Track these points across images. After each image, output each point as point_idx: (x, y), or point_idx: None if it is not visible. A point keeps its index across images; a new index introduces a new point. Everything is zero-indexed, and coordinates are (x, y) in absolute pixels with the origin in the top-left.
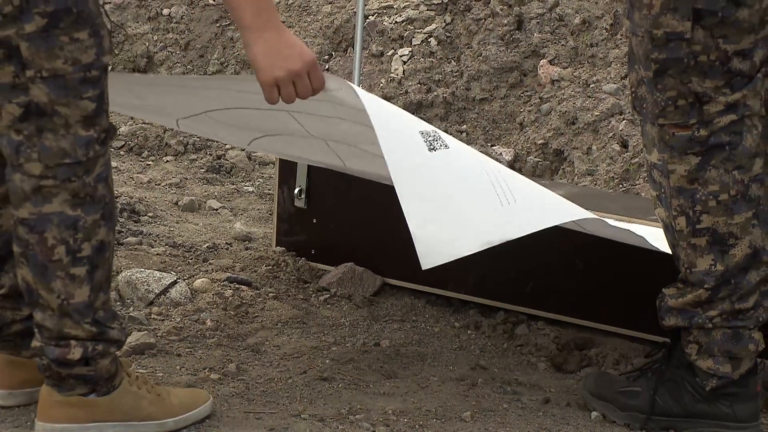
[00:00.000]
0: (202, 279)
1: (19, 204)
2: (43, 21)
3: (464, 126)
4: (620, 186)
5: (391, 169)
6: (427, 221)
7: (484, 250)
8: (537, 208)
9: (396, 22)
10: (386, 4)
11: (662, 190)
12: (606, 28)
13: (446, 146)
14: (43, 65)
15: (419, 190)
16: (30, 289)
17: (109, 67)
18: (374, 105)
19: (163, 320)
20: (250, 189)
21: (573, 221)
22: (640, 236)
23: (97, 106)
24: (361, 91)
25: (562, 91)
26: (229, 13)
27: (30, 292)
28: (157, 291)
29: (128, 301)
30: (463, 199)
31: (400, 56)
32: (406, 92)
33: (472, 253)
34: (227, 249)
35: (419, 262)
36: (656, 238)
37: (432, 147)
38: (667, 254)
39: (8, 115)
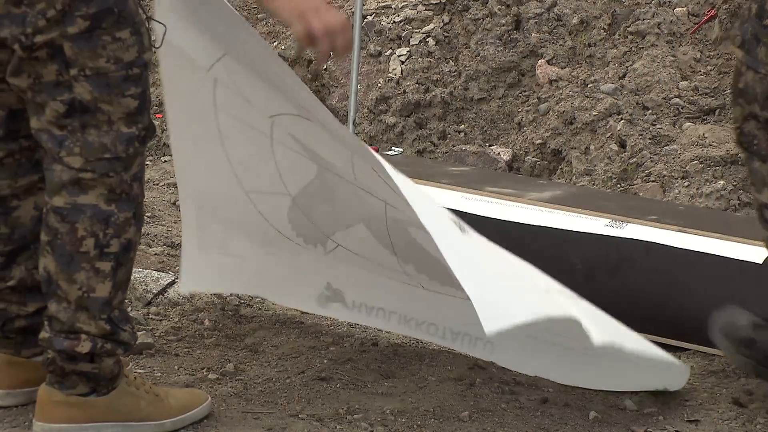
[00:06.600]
0: None
1: (55, 192)
2: (86, 23)
3: (462, 126)
4: (618, 186)
5: (438, 241)
6: (482, 287)
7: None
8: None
9: (394, 21)
10: (384, 3)
11: None
12: (604, 28)
13: (468, 233)
14: (86, 64)
15: (465, 258)
16: (50, 279)
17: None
18: (408, 185)
19: (161, 320)
20: None
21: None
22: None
23: (139, 104)
24: (392, 171)
25: (560, 91)
26: None
27: (49, 282)
28: (155, 291)
29: (126, 301)
30: (506, 270)
31: (398, 56)
32: (404, 92)
33: (533, 321)
34: None
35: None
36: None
37: (462, 229)
38: (665, 256)
39: (52, 112)
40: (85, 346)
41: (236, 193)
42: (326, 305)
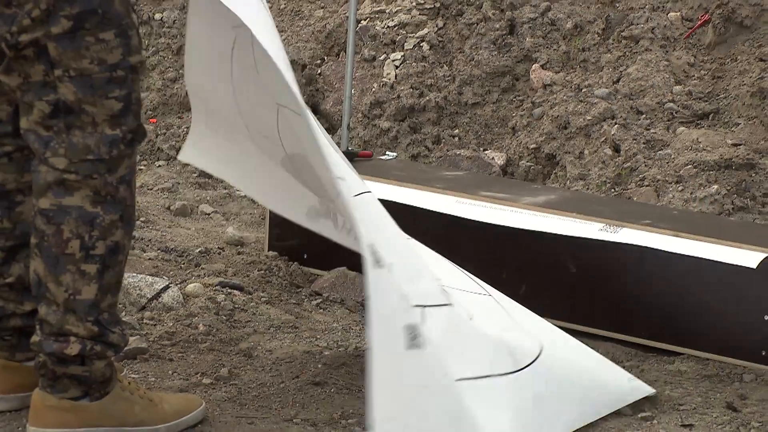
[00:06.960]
0: (195, 284)
1: (41, 194)
2: (69, 23)
3: (456, 130)
4: (612, 190)
5: (374, 356)
6: (390, 418)
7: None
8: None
9: (388, 26)
10: (378, 8)
11: None
12: (598, 33)
13: (420, 346)
14: (70, 65)
15: (392, 385)
16: (39, 281)
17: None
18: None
19: (155, 325)
20: (243, 193)
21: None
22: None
23: (123, 106)
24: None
25: (554, 96)
26: None
27: (38, 285)
28: (149, 296)
29: (120, 305)
30: (425, 410)
31: (393, 61)
32: (399, 97)
33: None
34: (219, 253)
35: None
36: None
37: (411, 345)
38: (659, 260)
39: (39, 112)
40: (74, 348)
41: (238, 124)
42: (316, 219)
